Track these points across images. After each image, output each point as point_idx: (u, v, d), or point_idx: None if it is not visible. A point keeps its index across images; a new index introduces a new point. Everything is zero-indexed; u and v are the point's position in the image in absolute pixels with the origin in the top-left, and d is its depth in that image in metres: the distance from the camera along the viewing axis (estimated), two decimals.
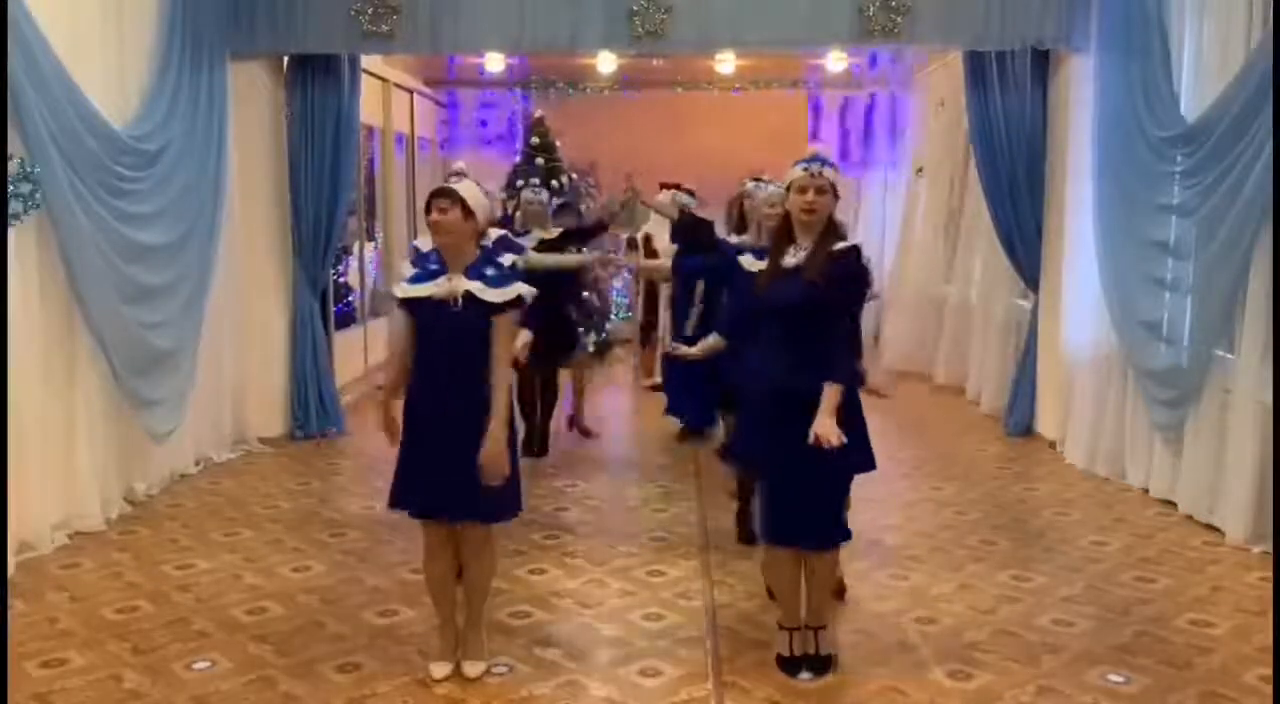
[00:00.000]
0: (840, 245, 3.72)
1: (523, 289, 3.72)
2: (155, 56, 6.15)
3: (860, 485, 3.95)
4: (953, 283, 9.47)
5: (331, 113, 7.47)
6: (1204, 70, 5.70)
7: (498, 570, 4.16)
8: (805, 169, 3.68)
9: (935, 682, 3.83)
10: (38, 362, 5.07)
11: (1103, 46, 6.53)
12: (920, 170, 10.30)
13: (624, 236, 10.80)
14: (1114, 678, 3.84)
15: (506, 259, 3.81)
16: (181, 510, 5.89)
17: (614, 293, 11.75)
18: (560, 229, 7.18)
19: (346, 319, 9.42)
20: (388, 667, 3.94)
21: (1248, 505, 5.18)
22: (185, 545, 5.30)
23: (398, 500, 3.84)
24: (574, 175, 10.94)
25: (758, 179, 5.83)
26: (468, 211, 3.70)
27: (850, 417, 3.71)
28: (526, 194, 7.24)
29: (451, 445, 3.67)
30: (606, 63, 9.71)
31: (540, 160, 10.30)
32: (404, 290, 3.77)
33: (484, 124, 12.30)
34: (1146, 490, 6.12)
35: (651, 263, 5.28)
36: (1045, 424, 7.49)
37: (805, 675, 3.85)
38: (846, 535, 3.90)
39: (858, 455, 3.80)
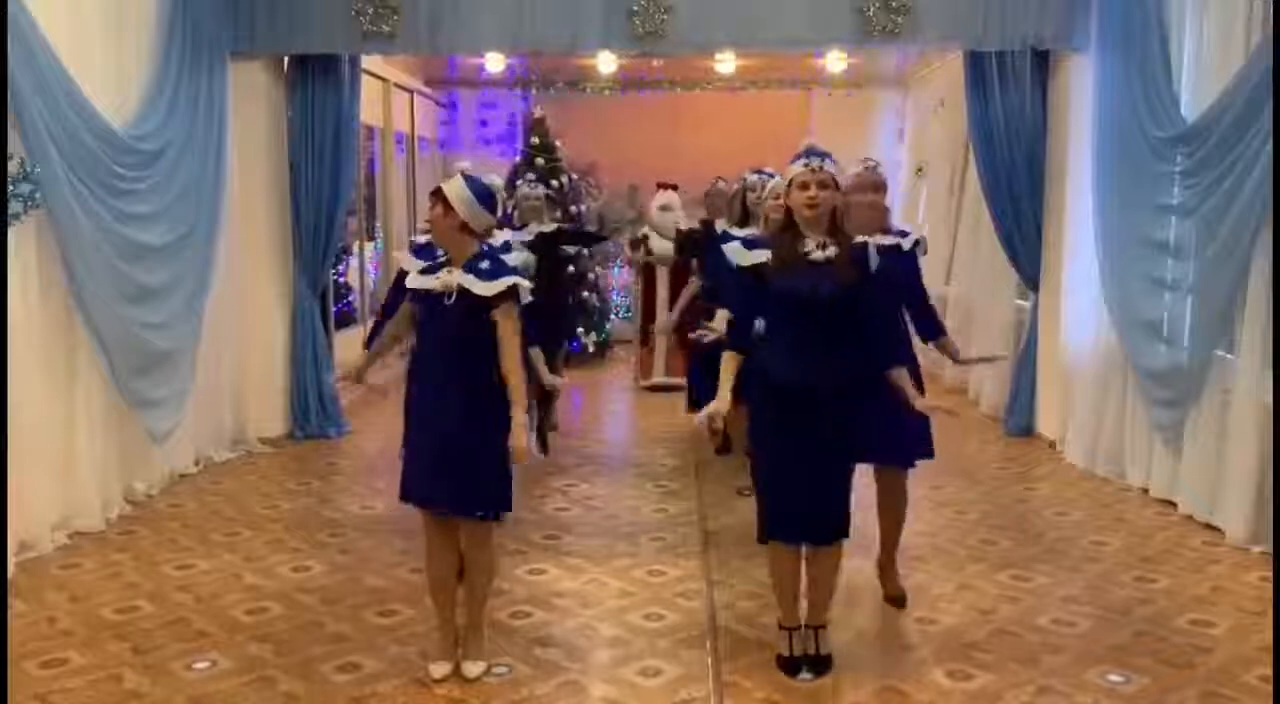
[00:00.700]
0: (858, 239, 3.79)
1: (516, 282, 3.72)
2: (155, 56, 6.15)
3: (859, 484, 3.95)
4: (953, 283, 9.47)
5: (331, 113, 7.47)
6: (1204, 70, 5.70)
7: (498, 570, 4.17)
8: (806, 164, 3.69)
9: (935, 682, 3.83)
10: (38, 362, 5.06)
11: (1103, 46, 6.53)
12: (920, 170, 10.31)
13: (624, 238, 10.81)
14: (1114, 678, 3.84)
15: (513, 258, 3.85)
16: (181, 510, 5.89)
17: (614, 293, 11.77)
18: (556, 225, 7.19)
19: (346, 319, 9.42)
20: (388, 667, 3.94)
21: (1248, 505, 5.18)
22: (185, 545, 5.30)
23: (403, 491, 3.91)
24: (574, 175, 10.96)
25: (759, 171, 5.85)
26: (448, 207, 3.73)
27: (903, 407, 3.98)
28: (523, 189, 7.25)
29: (445, 437, 3.70)
30: (606, 63, 9.71)
31: (540, 160, 10.30)
32: (413, 280, 3.84)
33: (484, 124, 12.30)
34: (1146, 490, 6.12)
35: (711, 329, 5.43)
36: (1045, 424, 7.49)
37: (805, 675, 3.85)
38: (847, 533, 3.89)
39: (923, 445, 4.32)
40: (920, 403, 3.89)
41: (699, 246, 6.94)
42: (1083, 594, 4.64)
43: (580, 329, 10.51)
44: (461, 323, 3.68)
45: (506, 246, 5.57)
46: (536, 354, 5.51)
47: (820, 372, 3.68)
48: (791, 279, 3.68)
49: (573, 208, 10.55)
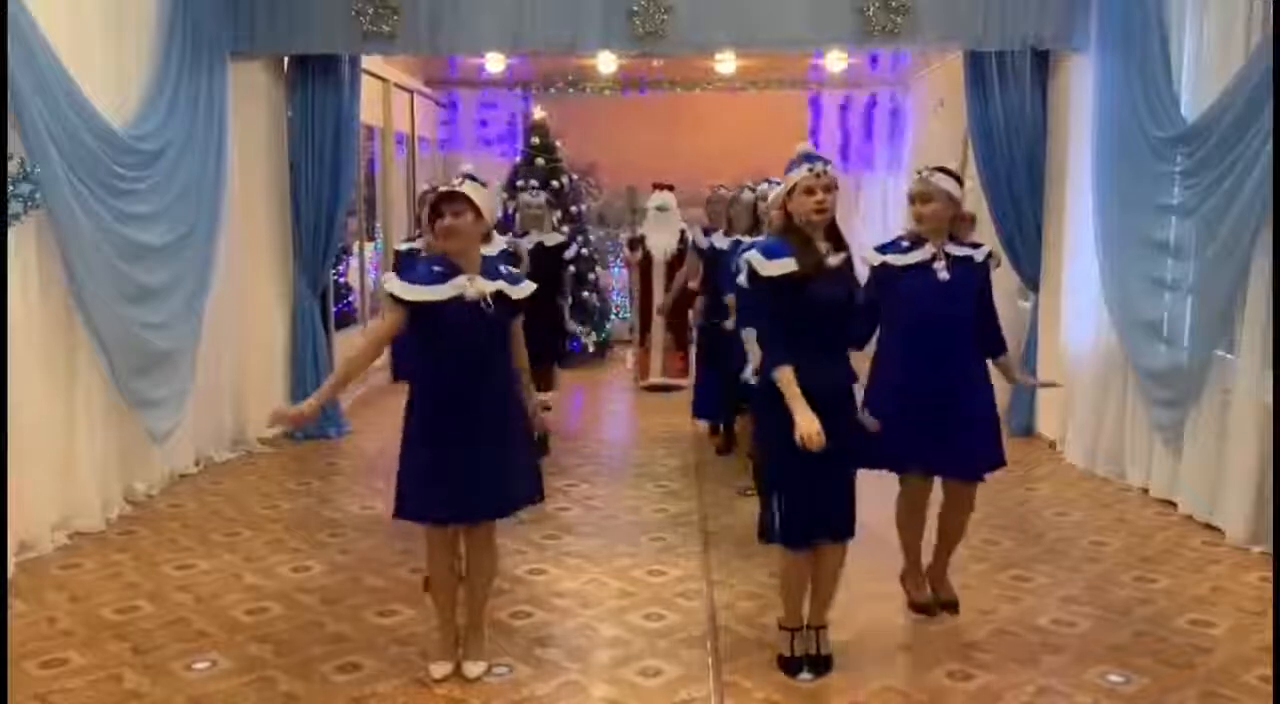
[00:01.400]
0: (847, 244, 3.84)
1: (532, 288, 3.82)
2: (155, 56, 6.15)
3: (861, 485, 3.95)
4: None
5: (331, 113, 7.47)
6: (1204, 70, 5.70)
7: (498, 570, 4.17)
8: (810, 169, 3.68)
9: (935, 682, 3.83)
10: (38, 362, 5.06)
11: (1103, 46, 6.53)
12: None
13: (624, 237, 10.81)
14: (1114, 678, 3.84)
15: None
16: (181, 510, 5.89)
17: (614, 293, 11.77)
18: (558, 242, 7.15)
19: (346, 319, 9.42)
20: (388, 667, 3.94)
21: (1248, 505, 5.19)
22: (185, 545, 5.30)
23: (414, 511, 3.76)
24: (574, 176, 10.95)
25: (769, 180, 5.86)
26: (478, 215, 3.69)
27: (984, 415, 4.22)
28: (525, 197, 7.25)
29: (481, 445, 3.67)
30: (606, 63, 9.71)
31: (540, 161, 10.30)
32: (416, 293, 3.61)
33: (484, 124, 12.30)
34: (1146, 490, 6.12)
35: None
36: (1045, 424, 7.49)
37: (805, 675, 3.85)
38: (853, 532, 3.91)
39: (993, 454, 4.33)
40: (1026, 380, 4.51)
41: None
42: (1083, 594, 4.64)
43: (580, 329, 10.51)
44: (499, 329, 3.70)
45: (505, 255, 5.60)
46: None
47: (836, 372, 3.77)
48: (819, 287, 3.67)
49: (573, 208, 10.55)
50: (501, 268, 3.83)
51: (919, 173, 4.28)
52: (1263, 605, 4.48)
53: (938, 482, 4.44)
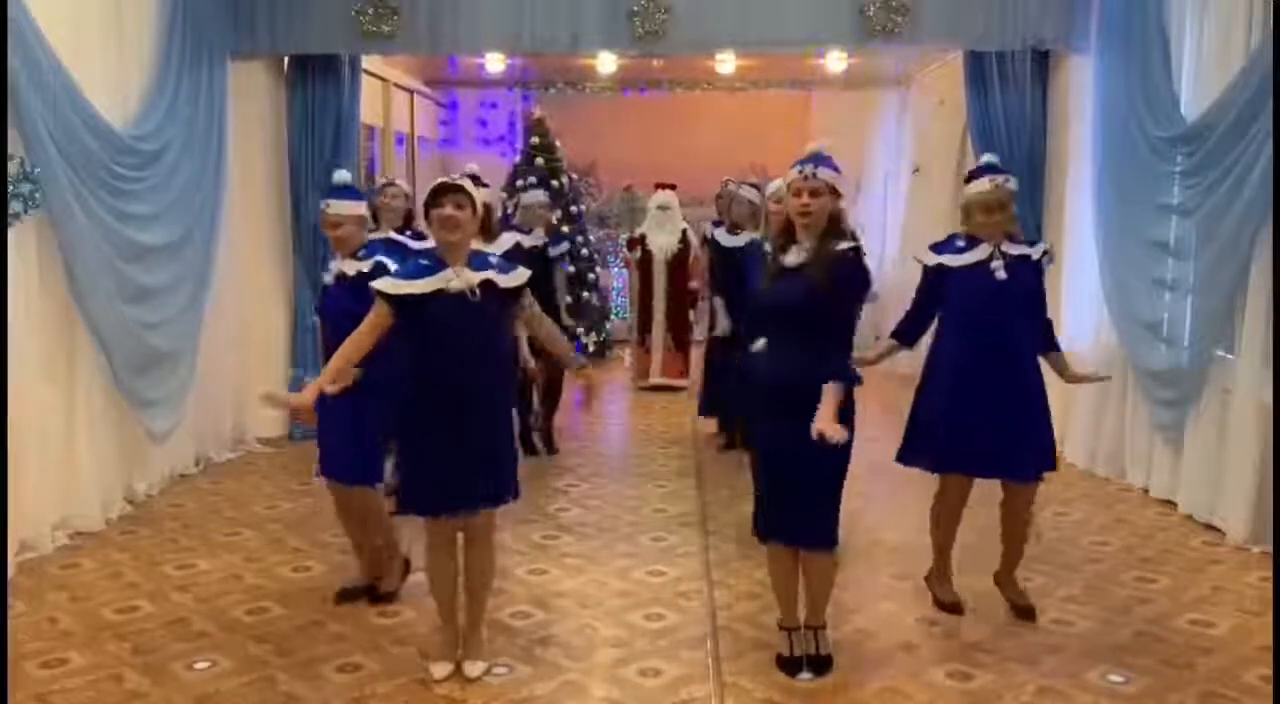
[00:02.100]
0: (842, 246, 3.69)
1: (527, 275, 3.82)
2: (155, 56, 6.15)
3: (862, 485, 3.95)
4: None
5: (331, 113, 7.47)
6: (1204, 70, 5.70)
7: (497, 570, 4.17)
8: (800, 170, 3.67)
9: (935, 682, 3.83)
10: (38, 361, 5.06)
11: (1103, 46, 6.53)
12: (918, 170, 10.30)
13: (623, 237, 10.81)
14: (1114, 678, 3.85)
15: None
16: (181, 510, 5.89)
17: (614, 293, 11.77)
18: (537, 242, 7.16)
19: None
20: (388, 667, 3.94)
21: (1248, 505, 5.19)
22: (185, 545, 5.30)
23: (413, 505, 3.80)
24: (574, 175, 10.96)
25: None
26: (474, 210, 3.74)
27: (1039, 416, 4.18)
28: (526, 197, 7.26)
29: (471, 434, 3.69)
30: (606, 63, 9.71)
31: (540, 160, 10.31)
32: (399, 287, 3.65)
33: (484, 124, 12.31)
34: (1146, 490, 6.12)
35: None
36: None
37: (805, 675, 3.85)
38: (835, 541, 3.84)
39: (1046, 456, 4.28)
40: (1079, 375, 4.52)
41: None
42: (1083, 594, 4.65)
43: (580, 329, 10.51)
44: (488, 318, 3.70)
45: (508, 257, 5.61)
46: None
47: (797, 374, 3.61)
48: (772, 287, 3.72)
49: (573, 208, 10.55)
50: (491, 258, 3.82)
51: (991, 181, 4.17)
52: (1263, 605, 4.48)
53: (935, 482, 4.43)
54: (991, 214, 4.17)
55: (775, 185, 5.37)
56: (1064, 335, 7.10)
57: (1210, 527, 5.47)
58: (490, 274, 3.70)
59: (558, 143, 10.65)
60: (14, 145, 4.74)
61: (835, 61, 9.83)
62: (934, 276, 4.28)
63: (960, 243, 4.26)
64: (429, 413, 3.68)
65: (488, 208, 5.65)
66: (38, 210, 4.90)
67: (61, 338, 5.35)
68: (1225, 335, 5.51)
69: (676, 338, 9.35)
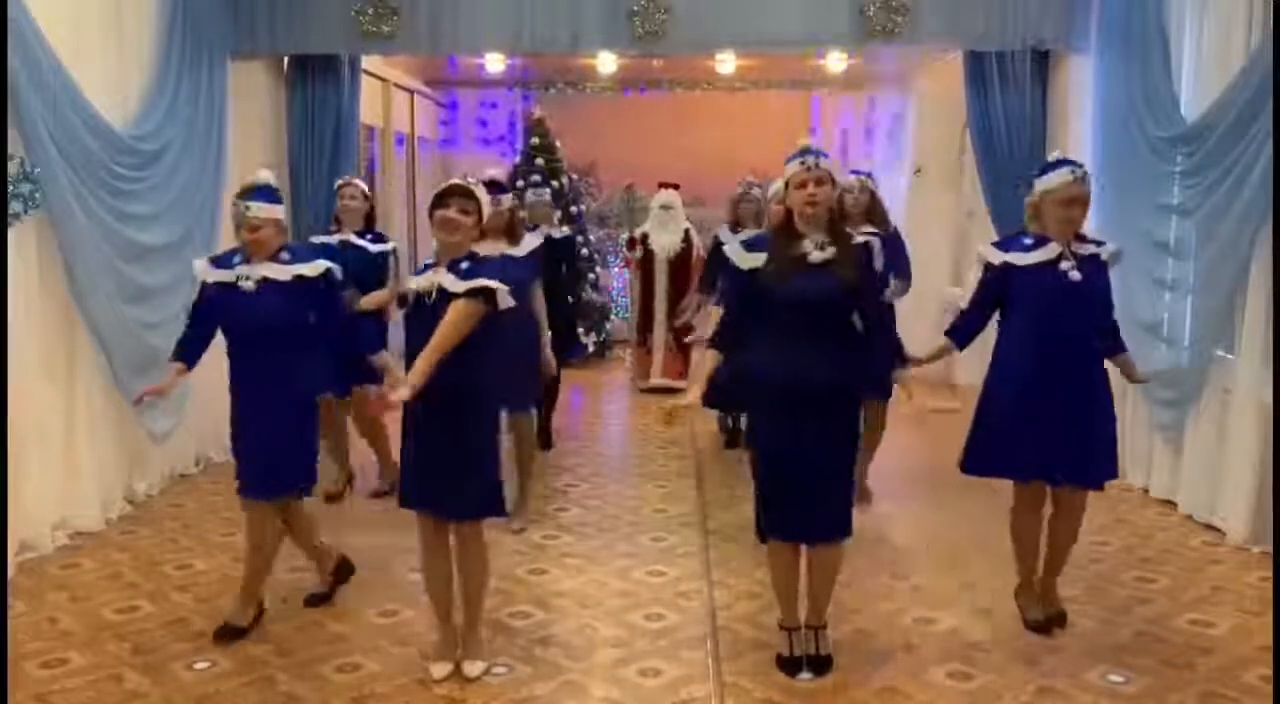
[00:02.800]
0: (859, 239, 3.77)
1: (486, 283, 3.64)
2: (155, 56, 6.15)
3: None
4: (960, 284, 9.46)
5: (331, 113, 7.48)
6: (1204, 70, 5.70)
7: (497, 570, 4.17)
8: (802, 162, 3.68)
9: (935, 682, 3.83)
10: (38, 361, 5.07)
11: (1103, 46, 6.53)
12: (919, 170, 10.30)
13: (623, 236, 10.81)
14: (1114, 678, 3.85)
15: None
16: (182, 510, 5.89)
17: (613, 292, 11.77)
18: (565, 233, 7.21)
19: None
20: (388, 667, 3.94)
21: (1248, 505, 5.19)
22: (185, 545, 5.30)
23: (401, 499, 3.91)
24: (574, 175, 10.96)
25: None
26: (480, 215, 3.77)
27: (1106, 422, 4.08)
28: (530, 195, 7.26)
29: (436, 439, 3.70)
30: (606, 63, 9.71)
31: (540, 160, 10.31)
32: (412, 282, 3.82)
33: (484, 124, 12.31)
34: (1146, 490, 6.12)
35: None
36: None
37: (805, 675, 3.85)
38: (850, 531, 3.87)
39: (1109, 463, 4.15)
40: (1139, 379, 4.44)
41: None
42: (1083, 594, 4.64)
43: (580, 329, 10.50)
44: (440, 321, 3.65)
45: (535, 254, 5.61)
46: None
47: (818, 371, 3.65)
48: (791, 282, 3.65)
49: (573, 208, 10.55)
50: (463, 265, 3.70)
51: (1073, 172, 3.99)
52: (1263, 605, 4.48)
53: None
54: (1070, 208, 3.98)
55: (776, 186, 5.38)
56: None
57: (1210, 527, 5.47)
58: (448, 278, 3.66)
59: (558, 143, 10.65)
60: (14, 145, 4.74)
61: (835, 61, 9.84)
62: (998, 276, 4.10)
63: (1027, 240, 4.08)
64: (408, 411, 3.76)
65: (513, 211, 5.61)
66: (38, 210, 4.90)
67: (61, 338, 5.35)
68: (1225, 335, 5.50)
69: (678, 338, 9.33)
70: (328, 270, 4.23)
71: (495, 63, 9.85)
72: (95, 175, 5.39)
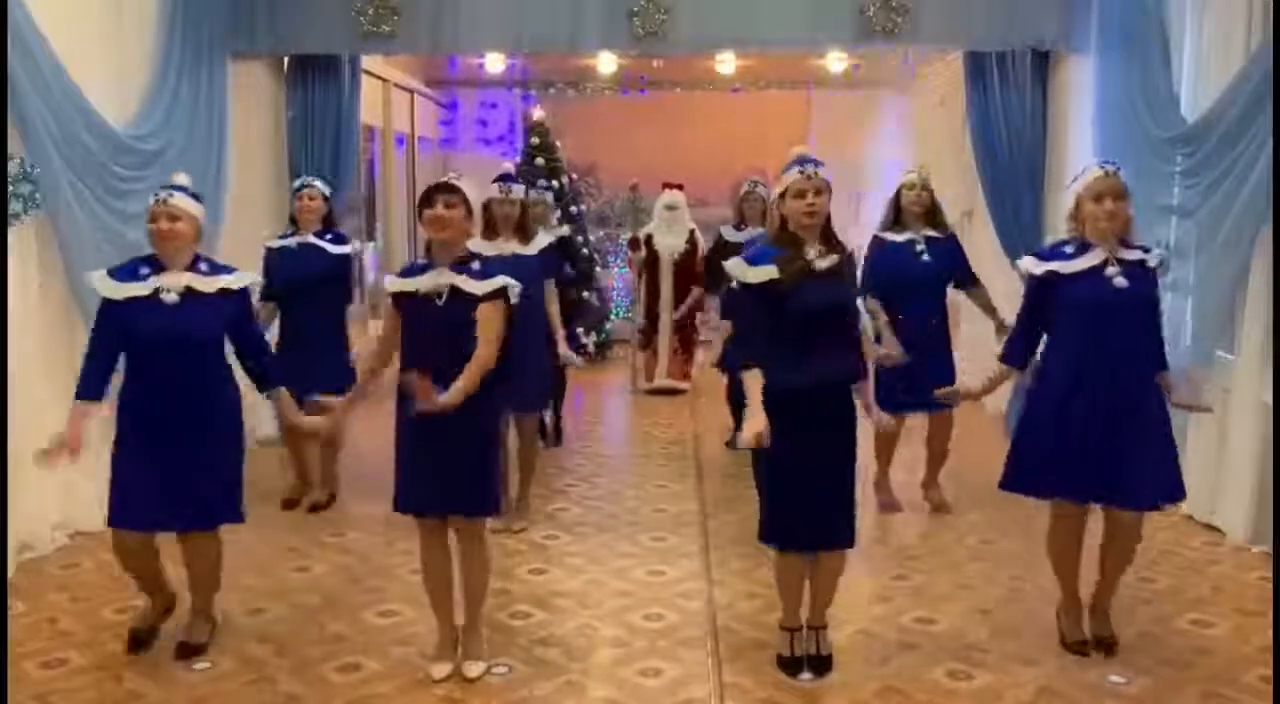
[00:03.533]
0: (844, 244, 3.79)
1: (506, 283, 3.71)
2: (155, 56, 6.14)
3: (862, 484, 3.95)
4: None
5: (331, 113, 7.47)
6: (1204, 70, 5.70)
7: (497, 570, 4.17)
8: (801, 171, 3.67)
9: (935, 682, 3.83)
10: (38, 361, 5.06)
11: (1103, 46, 6.53)
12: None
13: (623, 237, 10.80)
14: (1114, 678, 3.85)
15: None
16: None
17: (615, 293, 11.77)
18: (563, 234, 7.23)
19: None
20: (388, 667, 3.94)
21: (1248, 505, 5.19)
22: None
23: (397, 503, 3.88)
24: (574, 175, 10.96)
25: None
26: (469, 210, 3.75)
27: (1158, 439, 3.87)
28: (532, 195, 7.26)
29: (439, 440, 3.68)
30: (606, 63, 9.72)
31: (540, 161, 10.31)
32: (394, 284, 3.79)
33: (484, 124, 12.31)
34: None
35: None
36: None
37: (806, 676, 3.85)
38: (854, 541, 3.87)
39: (1166, 483, 3.93)
40: (1180, 401, 4.03)
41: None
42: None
43: (580, 329, 10.50)
44: (454, 323, 3.66)
45: (548, 252, 5.60)
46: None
47: (836, 378, 3.72)
48: (805, 292, 3.63)
49: (573, 208, 10.55)
50: (474, 265, 3.74)
51: (1102, 168, 3.87)
52: (1263, 605, 4.48)
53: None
54: (1102, 202, 3.80)
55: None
56: None
57: (1210, 527, 5.47)
58: (461, 278, 3.67)
59: (558, 143, 10.65)
60: (14, 145, 4.74)
61: (835, 61, 9.84)
62: (1043, 287, 3.91)
63: (1069, 248, 3.90)
64: (403, 412, 3.76)
65: (524, 207, 5.60)
66: (38, 210, 4.89)
67: (62, 338, 5.34)
68: (1225, 335, 5.50)
69: (683, 340, 9.32)
70: (250, 284, 4.04)
71: (495, 63, 9.86)
72: (95, 175, 5.39)
